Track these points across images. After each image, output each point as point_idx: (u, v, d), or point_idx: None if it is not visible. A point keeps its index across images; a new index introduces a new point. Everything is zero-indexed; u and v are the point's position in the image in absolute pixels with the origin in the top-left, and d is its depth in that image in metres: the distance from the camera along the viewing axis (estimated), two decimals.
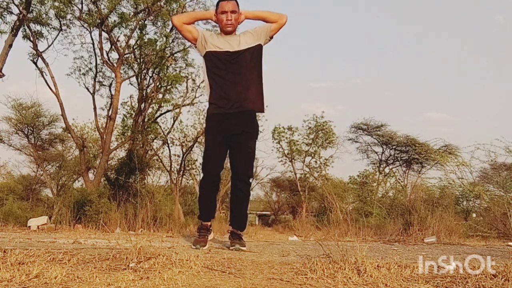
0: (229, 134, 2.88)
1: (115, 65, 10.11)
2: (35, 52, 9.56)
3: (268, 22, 2.94)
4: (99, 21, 9.55)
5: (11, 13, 8.85)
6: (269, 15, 2.94)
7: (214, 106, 2.92)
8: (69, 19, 9.78)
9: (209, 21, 11.22)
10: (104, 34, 9.95)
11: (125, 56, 10.42)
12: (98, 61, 10.51)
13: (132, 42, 10.49)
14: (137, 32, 10.29)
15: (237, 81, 2.85)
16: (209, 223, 3.05)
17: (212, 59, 2.92)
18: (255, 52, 2.91)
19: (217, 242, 3.31)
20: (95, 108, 10.55)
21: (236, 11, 2.90)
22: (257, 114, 2.99)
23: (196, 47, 3.03)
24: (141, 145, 11.88)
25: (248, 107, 2.88)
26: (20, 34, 8.90)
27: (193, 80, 12.67)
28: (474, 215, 10.41)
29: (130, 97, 12.74)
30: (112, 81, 10.84)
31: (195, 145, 15.61)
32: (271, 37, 2.97)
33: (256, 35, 2.94)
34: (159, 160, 15.54)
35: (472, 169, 10.26)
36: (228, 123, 2.86)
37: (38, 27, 9.47)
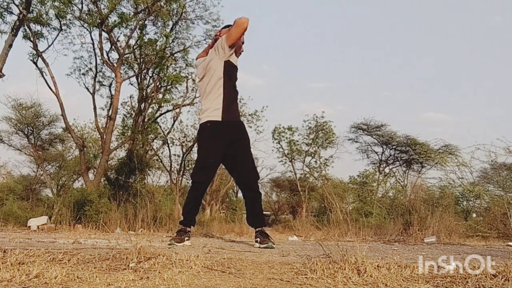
0: (228, 141, 3.04)
1: (115, 65, 10.09)
2: (35, 52, 9.55)
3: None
4: (99, 21, 9.54)
5: (11, 13, 8.84)
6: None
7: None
8: (69, 19, 9.76)
9: (209, 21, 11.30)
10: (104, 34, 9.95)
11: (125, 56, 10.41)
12: (98, 61, 10.51)
13: (132, 42, 10.49)
14: (137, 32, 10.28)
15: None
16: (188, 228, 3.15)
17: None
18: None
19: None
20: (95, 108, 10.53)
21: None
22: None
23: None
24: (141, 145, 11.86)
25: (237, 117, 3.15)
26: (20, 34, 8.88)
27: (193, 80, 12.66)
28: (474, 215, 10.39)
29: (130, 97, 12.75)
30: (112, 81, 10.84)
31: (195, 145, 15.61)
32: (231, 46, 3.00)
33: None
34: (159, 160, 15.54)
35: (472, 169, 10.28)
36: (224, 131, 3.02)
37: (38, 27, 9.45)
